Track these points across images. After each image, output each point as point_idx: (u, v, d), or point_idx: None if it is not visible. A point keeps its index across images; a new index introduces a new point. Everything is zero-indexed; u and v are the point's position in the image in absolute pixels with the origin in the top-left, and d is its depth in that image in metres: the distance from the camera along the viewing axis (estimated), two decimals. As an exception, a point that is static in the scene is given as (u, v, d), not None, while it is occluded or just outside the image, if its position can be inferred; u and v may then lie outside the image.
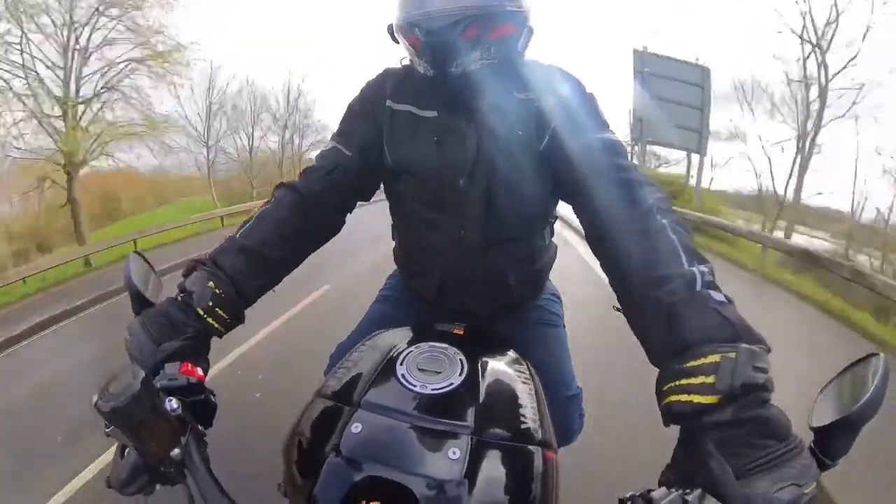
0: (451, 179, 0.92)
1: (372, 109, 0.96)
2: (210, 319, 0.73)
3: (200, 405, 0.64)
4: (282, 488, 0.65)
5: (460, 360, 0.74)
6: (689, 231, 0.70)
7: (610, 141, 0.84)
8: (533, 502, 0.58)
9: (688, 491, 0.46)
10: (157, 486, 0.59)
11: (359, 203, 1.03)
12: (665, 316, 0.60)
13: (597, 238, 0.78)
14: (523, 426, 0.66)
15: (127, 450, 0.57)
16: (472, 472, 0.56)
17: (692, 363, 0.53)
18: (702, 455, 0.50)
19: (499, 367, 0.78)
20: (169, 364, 0.64)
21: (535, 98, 0.88)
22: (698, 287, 0.60)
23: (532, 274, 1.11)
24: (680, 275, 0.62)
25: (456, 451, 0.58)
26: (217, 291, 0.74)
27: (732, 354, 0.51)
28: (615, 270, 0.73)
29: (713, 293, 0.59)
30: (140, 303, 0.73)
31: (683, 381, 0.53)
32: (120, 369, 0.51)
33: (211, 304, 0.73)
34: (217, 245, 0.82)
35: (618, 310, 0.73)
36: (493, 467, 0.59)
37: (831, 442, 0.48)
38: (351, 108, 1.00)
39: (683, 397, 0.53)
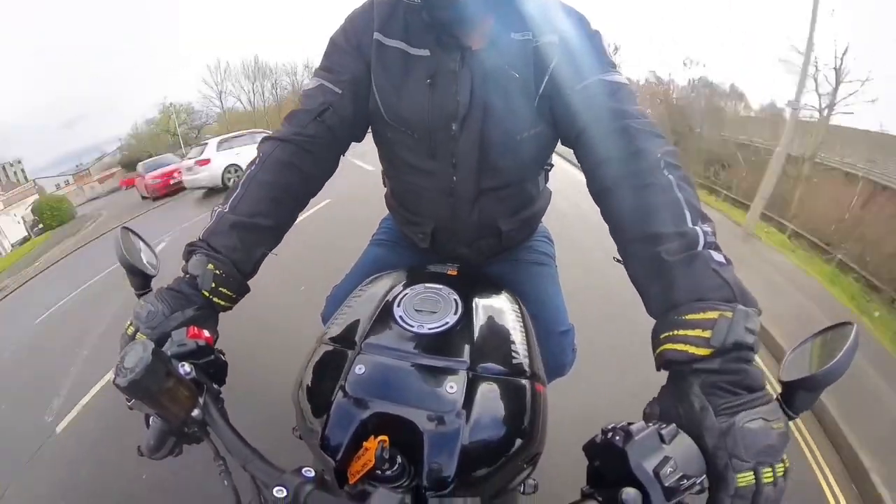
0: (443, 125, 0.88)
1: (358, 43, 0.88)
2: (216, 299, 0.75)
3: (212, 365, 0.67)
4: (296, 432, 0.70)
5: (454, 299, 0.76)
6: (694, 187, 0.69)
7: (615, 83, 0.79)
8: (524, 431, 0.63)
9: (664, 426, 0.50)
10: (184, 447, 0.65)
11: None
12: (666, 272, 0.62)
13: (599, 189, 0.76)
14: (515, 361, 0.70)
15: (151, 418, 0.61)
16: (468, 405, 0.60)
17: (690, 316, 0.57)
18: (686, 394, 0.55)
19: (491, 305, 0.81)
20: (175, 332, 0.66)
21: (533, 37, 0.82)
22: (700, 247, 0.61)
23: (524, 221, 1.10)
24: (683, 233, 0.63)
25: (453, 386, 0.62)
26: (217, 273, 0.74)
27: (729, 314, 0.54)
28: (618, 222, 0.73)
29: (714, 254, 0.61)
30: (140, 278, 0.74)
31: (680, 332, 0.57)
32: (129, 345, 0.53)
33: (214, 285, 0.74)
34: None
35: (618, 261, 0.74)
36: (487, 400, 0.63)
37: (796, 397, 0.52)
38: (334, 42, 0.91)
39: (679, 346, 0.57)
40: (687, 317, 0.57)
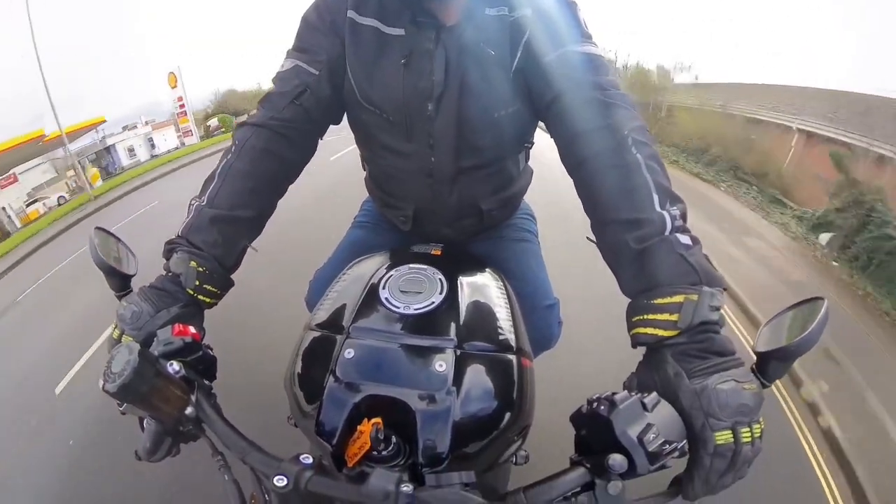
0: (419, 106, 0.86)
1: (331, 21, 0.84)
2: (201, 296, 0.74)
3: (201, 362, 0.67)
4: (291, 420, 0.71)
5: (439, 279, 0.77)
6: (664, 166, 0.70)
7: (589, 55, 0.78)
8: (512, 405, 0.65)
9: (645, 394, 0.53)
10: (181, 446, 0.64)
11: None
12: (635, 259, 0.64)
13: (572, 164, 0.77)
14: (501, 337, 0.72)
15: (145, 421, 0.60)
16: (458, 382, 0.62)
17: (659, 300, 0.60)
18: (661, 364, 0.59)
19: (476, 283, 0.82)
20: (160, 331, 0.64)
21: (509, 12, 0.80)
22: (667, 231, 0.63)
23: (505, 200, 1.10)
24: (651, 220, 0.64)
25: (442, 364, 0.63)
26: (201, 270, 0.73)
27: (694, 297, 0.57)
28: (589, 202, 0.74)
29: (681, 237, 0.63)
30: (118, 279, 0.72)
31: (650, 316, 0.60)
32: (115, 349, 0.53)
33: (198, 282, 0.73)
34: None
35: (591, 240, 0.75)
36: (476, 376, 0.65)
37: (769, 366, 0.55)
38: (307, 20, 0.87)
39: (649, 330, 0.60)
40: (655, 301, 0.60)
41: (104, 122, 17.19)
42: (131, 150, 18.72)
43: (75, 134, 15.67)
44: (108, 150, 17.81)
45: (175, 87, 18.17)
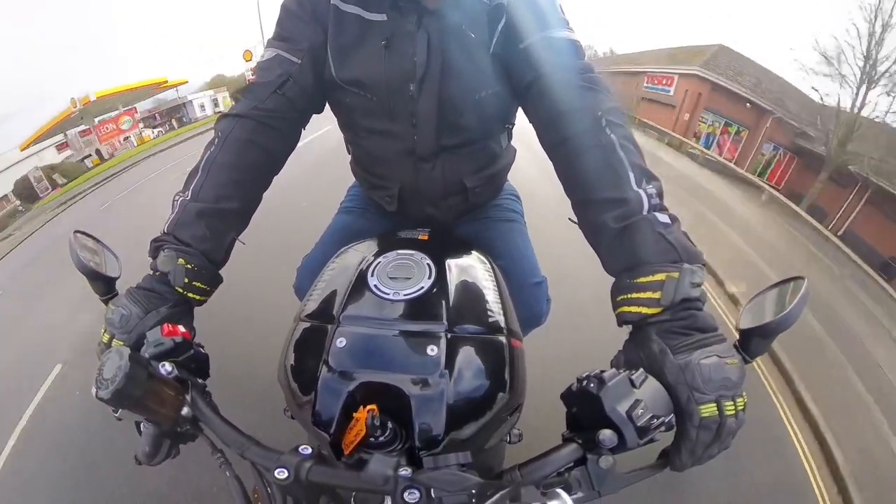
0: (400, 87, 0.86)
1: (313, 9, 0.84)
2: (190, 294, 0.73)
3: (193, 360, 0.67)
4: (287, 412, 0.72)
5: (427, 264, 0.77)
6: (638, 146, 0.71)
7: (566, 40, 0.79)
8: (504, 385, 0.67)
9: (633, 371, 0.55)
10: (180, 447, 0.64)
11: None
12: (615, 239, 0.66)
13: (550, 145, 0.78)
14: (491, 319, 0.72)
15: (142, 424, 0.60)
16: (450, 365, 0.63)
17: (641, 279, 0.61)
18: (646, 341, 0.60)
19: (464, 266, 0.82)
20: (150, 332, 0.64)
21: None
22: (645, 210, 0.64)
23: (489, 178, 1.10)
24: (627, 199, 0.65)
25: (434, 349, 0.63)
26: (189, 267, 0.72)
27: (675, 274, 0.59)
28: (568, 183, 0.75)
29: (659, 216, 0.64)
30: (103, 283, 0.71)
31: (633, 295, 0.62)
32: (105, 354, 0.52)
33: (187, 280, 0.72)
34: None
35: (573, 222, 0.76)
36: (468, 358, 0.66)
37: (752, 342, 0.57)
38: (287, 8, 0.86)
39: (633, 308, 0.61)
40: (638, 280, 0.62)
41: (186, 83, 23.70)
42: (202, 106, 24.76)
43: (163, 88, 22.21)
44: (185, 105, 24.20)
45: (249, 60, 21.41)
